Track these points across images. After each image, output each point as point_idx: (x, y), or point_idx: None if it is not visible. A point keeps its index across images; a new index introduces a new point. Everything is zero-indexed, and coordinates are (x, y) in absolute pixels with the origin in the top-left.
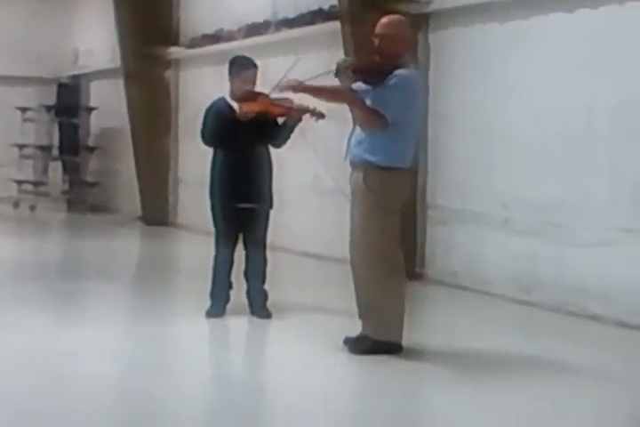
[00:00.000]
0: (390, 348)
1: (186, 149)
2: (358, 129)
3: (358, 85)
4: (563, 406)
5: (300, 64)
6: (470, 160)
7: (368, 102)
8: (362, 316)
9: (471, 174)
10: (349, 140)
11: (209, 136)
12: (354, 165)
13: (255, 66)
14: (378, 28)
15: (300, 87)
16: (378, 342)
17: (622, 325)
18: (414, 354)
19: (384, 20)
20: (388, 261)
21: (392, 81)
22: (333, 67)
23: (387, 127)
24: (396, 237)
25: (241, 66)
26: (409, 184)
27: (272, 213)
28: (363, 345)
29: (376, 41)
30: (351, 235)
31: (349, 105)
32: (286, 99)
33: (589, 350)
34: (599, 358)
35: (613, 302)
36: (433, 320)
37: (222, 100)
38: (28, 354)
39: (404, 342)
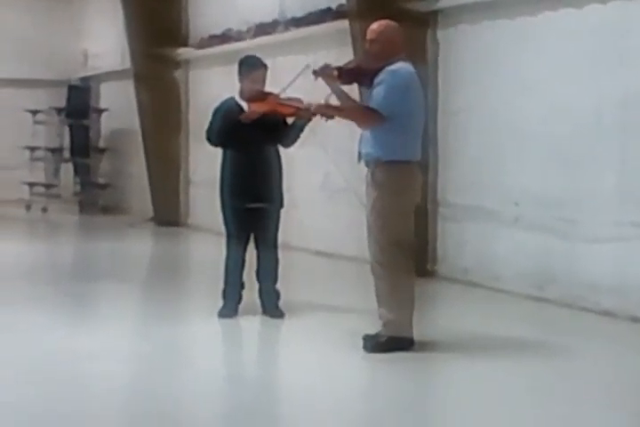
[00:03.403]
0: (402, 343)
1: (196, 150)
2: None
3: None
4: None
5: (311, 63)
6: (481, 157)
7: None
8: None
9: (482, 171)
10: (360, 141)
11: (214, 137)
12: (366, 164)
13: (265, 66)
14: (368, 34)
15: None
16: (390, 337)
17: (635, 320)
18: (426, 348)
19: (373, 26)
20: (395, 259)
21: (380, 77)
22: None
23: (384, 121)
24: (404, 235)
25: (250, 66)
26: (418, 179)
27: (283, 212)
28: (375, 342)
29: (366, 45)
30: (367, 233)
31: (342, 107)
32: (296, 99)
33: (599, 344)
34: (610, 351)
35: (626, 297)
36: (444, 317)
37: (232, 99)
38: (41, 356)
39: (416, 338)
